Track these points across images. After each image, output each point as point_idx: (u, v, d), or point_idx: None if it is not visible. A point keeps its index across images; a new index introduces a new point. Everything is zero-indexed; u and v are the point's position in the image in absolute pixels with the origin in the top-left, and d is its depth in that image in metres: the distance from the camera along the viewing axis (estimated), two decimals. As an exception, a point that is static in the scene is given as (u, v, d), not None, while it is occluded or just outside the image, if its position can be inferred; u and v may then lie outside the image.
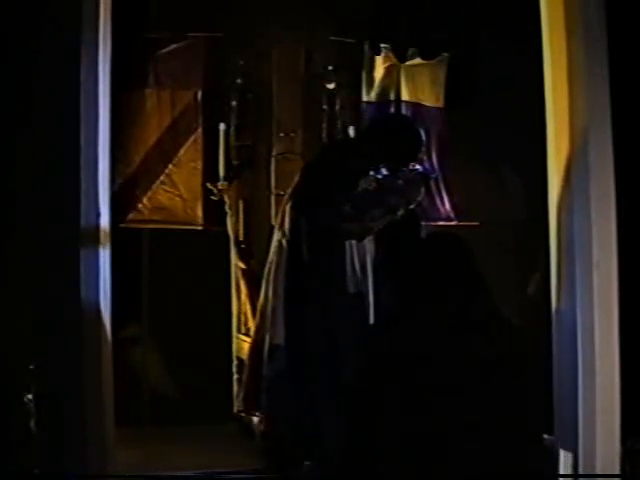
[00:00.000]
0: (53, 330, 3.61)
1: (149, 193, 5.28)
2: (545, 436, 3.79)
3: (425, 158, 5.39)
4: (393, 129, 4.56)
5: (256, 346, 4.53)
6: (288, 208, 4.39)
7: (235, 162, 5.30)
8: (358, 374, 3.23)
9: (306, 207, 4.33)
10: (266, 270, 4.48)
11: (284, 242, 4.36)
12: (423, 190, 4.60)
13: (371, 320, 4.32)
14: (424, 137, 4.66)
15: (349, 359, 4.05)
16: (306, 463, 4.29)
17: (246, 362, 4.68)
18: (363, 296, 4.37)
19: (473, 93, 5.39)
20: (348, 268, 4.33)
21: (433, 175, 5.05)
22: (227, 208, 5.28)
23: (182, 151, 5.30)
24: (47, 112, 3.66)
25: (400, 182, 4.47)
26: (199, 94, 5.30)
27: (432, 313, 3.10)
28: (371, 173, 4.47)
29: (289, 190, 4.54)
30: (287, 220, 4.37)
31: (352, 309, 4.33)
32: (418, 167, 4.74)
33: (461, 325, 3.07)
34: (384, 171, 4.51)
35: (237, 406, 4.94)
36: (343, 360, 4.15)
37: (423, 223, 4.80)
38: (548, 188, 4.06)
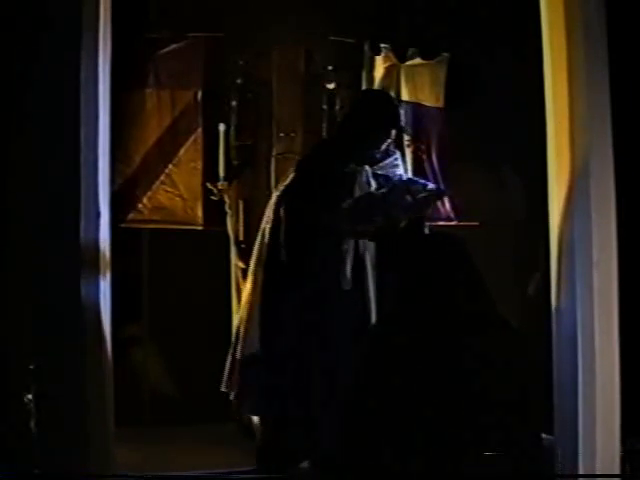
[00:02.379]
0: (53, 330, 3.62)
1: (149, 193, 5.28)
2: (545, 436, 3.78)
3: (425, 157, 5.40)
4: (367, 102, 4.67)
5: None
6: (273, 203, 4.41)
7: (235, 162, 5.30)
8: (356, 373, 3.23)
9: (300, 206, 4.34)
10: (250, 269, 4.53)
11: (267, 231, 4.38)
12: (432, 206, 4.62)
13: (367, 318, 4.32)
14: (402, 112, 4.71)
15: (345, 357, 4.05)
16: (304, 464, 4.29)
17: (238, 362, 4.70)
18: (360, 294, 4.37)
19: (473, 93, 5.39)
20: (347, 266, 4.34)
21: (445, 193, 5.00)
22: (227, 208, 5.28)
23: (182, 151, 5.29)
24: (47, 112, 3.66)
25: (409, 198, 4.45)
26: (199, 94, 5.29)
27: (431, 313, 3.10)
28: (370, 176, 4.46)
29: (280, 188, 4.54)
30: (271, 214, 4.39)
31: (349, 307, 4.33)
32: (432, 185, 4.70)
33: (459, 325, 3.07)
34: (393, 172, 4.50)
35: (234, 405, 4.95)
36: (339, 358, 4.15)
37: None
38: (548, 188, 4.06)
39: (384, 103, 4.61)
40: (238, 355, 4.45)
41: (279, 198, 4.44)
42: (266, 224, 4.47)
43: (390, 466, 2.97)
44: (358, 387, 3.17)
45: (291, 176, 4.48)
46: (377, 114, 4.48)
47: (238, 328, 4.56)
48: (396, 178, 4.58)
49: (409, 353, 3.04)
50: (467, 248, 3.23)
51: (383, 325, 3.45)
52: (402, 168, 4.72)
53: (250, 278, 4.58)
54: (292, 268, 4.32)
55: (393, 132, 4.52)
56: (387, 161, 4.59)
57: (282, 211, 4.37)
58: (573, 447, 3.85)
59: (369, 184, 4.49)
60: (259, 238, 4.54)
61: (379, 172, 4.54)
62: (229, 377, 4.55)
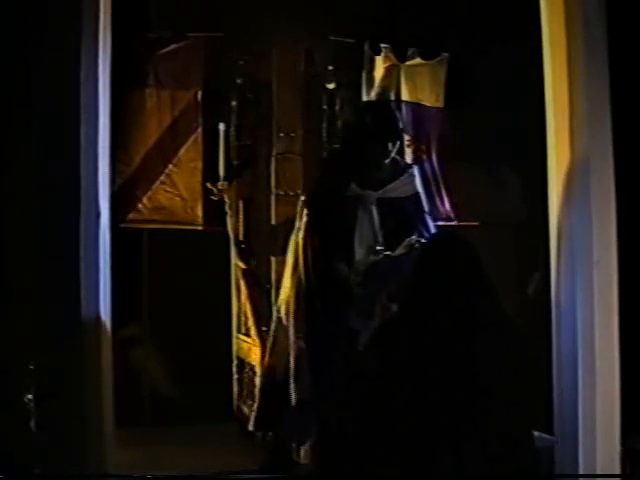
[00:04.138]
0: (53, 330, 3.61)
1: (149, 193, 5.28)
2: (545, 436, 3.79)
3: (425, 157, 5.40)
4: (362, 116, 4.56)
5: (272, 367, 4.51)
6: (302, 247, 4.34)
7: (235, 162, 5.30)
8: (364, 374, 3.23)
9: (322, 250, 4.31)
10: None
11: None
12: None
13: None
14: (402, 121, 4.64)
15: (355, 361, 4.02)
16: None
17: (260, 379, 4.63)
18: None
19: (473, 93, 5.39)
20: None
21: None
22: (227, 208, 5.28)
23: (182, 151, 5.29)
24: (47, 112, 3.66)
25: None
26: (199, 94, 5.30)
27: (438, 313, 3.10)
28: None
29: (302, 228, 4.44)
30: (301, 254, 4.35)
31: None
32: None
33: (465, 325, 3.07)
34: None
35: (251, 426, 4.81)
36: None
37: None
38: (548, 188, 4.06)
39: (378, 116, 4.48)
40: (294, 398, 4.36)
41: (305, 241, 4.34)
42: (300, 269, 4.35)
43: (393, 465, 2.97)
44: (364, 386, 3.17)
45: (305, 213, 4.38)
46: (371, 127, 4.37)
47: (272, 372, 4.50)
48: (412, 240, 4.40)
49: (413, 353, 3.04)
50: (474, 248, 3.23)
51: (390, 324, 3.45)
52: (417, 184, 4.56)
53: (292, 324, 4.42)
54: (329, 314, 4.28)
55: (391, 145, 4.39)
56: (396, 182, 4.46)
57: (310, 256, 4.30)
58: (573, 447, 3.85)
59: (371, 212, 4.36)
60: (289, 280, 4.44)
61: (386, 196, 4.40)
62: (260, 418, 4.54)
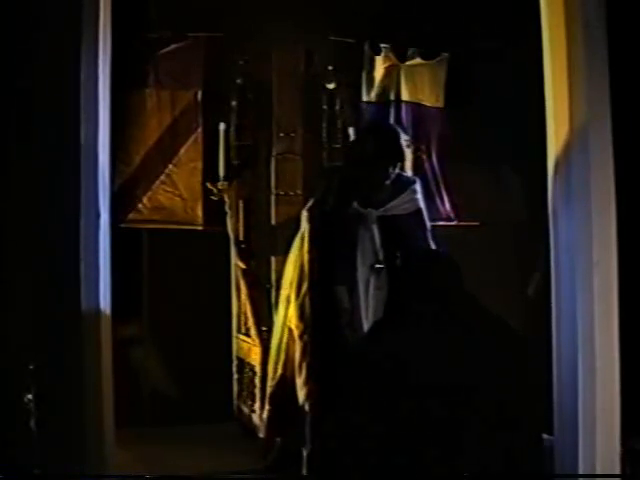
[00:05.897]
0: (53, 330, 3.62)
1: (149, 193, 5.28)
2: (545, 436, 3.79)
3: (425, 157, 5.40)
4: (365, 139, 4.50)
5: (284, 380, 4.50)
6: (306, 262, 4.34)
7: (235, 162, 5.30)
8: (359, 380, 3.23)
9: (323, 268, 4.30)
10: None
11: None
12: None
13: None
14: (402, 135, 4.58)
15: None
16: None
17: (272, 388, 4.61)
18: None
19: (473, 93, 5.39)
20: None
21: None
22: (227, 208, 5.28)
23: (182, 151, 5.30)
24: (47, 112, 3.67)
25: None
26: (199, 94, 5.30)
27: (433, 315, 3.11)
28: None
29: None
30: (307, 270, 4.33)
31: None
32: None
33: (463, 327, 3.07)
34: None
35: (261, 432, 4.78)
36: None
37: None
38: (548, 188, 4.06)
39: (381, 140, 4.36)
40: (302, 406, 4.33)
41: (311, 256, 4.32)
42: (303, 281, 4.35)
43: (392, 465, 2.97)
44: (359, 393, 3.17)
45: (307, 227, 4.37)
46: (374, 152, 4.30)
47: (284, 381, 4.48)
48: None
49: (409, 355, 3.04)
50: (456, 265, 3.23)
51: (381, 331, 3.45)
52: (419, 200, 4.48)
53: (298, 341, 4.39)
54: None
55: (392, 168, 4.32)
56: (398, 199, 4.40)
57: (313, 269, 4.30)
58: (573, 447, 3.85)
59: (371, 231, 4.32)
60: (294, 293, 4.43)
61: (387, 214, 4.35)
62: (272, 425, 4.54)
